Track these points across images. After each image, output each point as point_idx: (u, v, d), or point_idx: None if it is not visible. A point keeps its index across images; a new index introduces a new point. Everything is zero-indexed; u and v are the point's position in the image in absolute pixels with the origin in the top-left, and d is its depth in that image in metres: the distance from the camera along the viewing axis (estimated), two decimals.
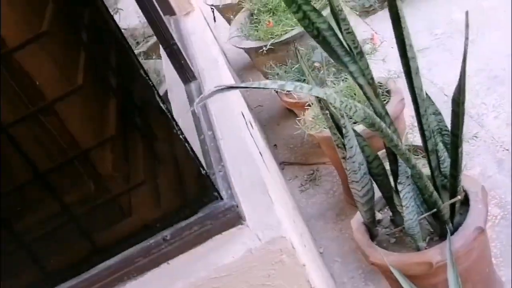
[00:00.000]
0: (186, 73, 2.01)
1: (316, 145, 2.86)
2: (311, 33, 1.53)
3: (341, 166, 1.84)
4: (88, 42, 1.49)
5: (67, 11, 1.48)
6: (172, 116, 1.31)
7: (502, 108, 2.67)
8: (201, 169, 1.33)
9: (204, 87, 1.98)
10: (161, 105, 1.28)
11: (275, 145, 3.30)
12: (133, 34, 4.24)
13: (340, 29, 1.56)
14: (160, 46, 2.07)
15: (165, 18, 2.58)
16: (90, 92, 1.48)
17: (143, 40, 4.06)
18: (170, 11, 2.65)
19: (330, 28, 1.53)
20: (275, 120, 3.55)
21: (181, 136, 1.31)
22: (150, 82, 1.29)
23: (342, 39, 1.55)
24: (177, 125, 1.31)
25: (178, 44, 2.11)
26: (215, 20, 4.24)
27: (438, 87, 3.01)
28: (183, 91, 2.02)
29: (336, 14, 1.54)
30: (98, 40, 1.47)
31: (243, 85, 1.23)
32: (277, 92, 3.08)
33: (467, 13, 1.48)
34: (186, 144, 1.32)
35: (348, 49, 1.55)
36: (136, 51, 3.89)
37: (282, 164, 3.08)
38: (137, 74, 1.26)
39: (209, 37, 2.59)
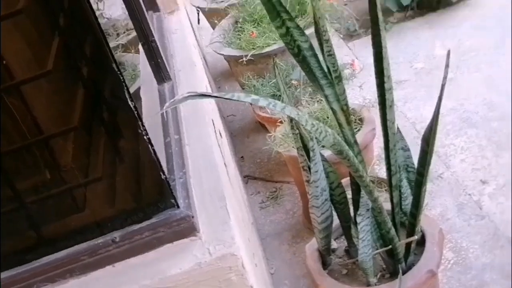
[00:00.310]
0: (161, 72, 1.98)
1: (283, 163, 2.84)
2: (292, 50, 1.51)
3: (303, 188, 1.82)
4: (64, 28, 1.44)
5: None
6: (139, 115, 1.27)
7: (470, 152, 2.68)
8: (161, 173, 1.29)
9: (177, 89, 1.95)
10: (129, 103, 1.25)
11: (242, 157, 3.27)
12: (115, 24, 4.17)
13: (322, 50, 1.54)
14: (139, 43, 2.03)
15: (148, 14, 2.55)
16: (59, 79, 1.44)
17: (124, 33, 4.00)
18: (154, 7, 2.61)
19: (312, 48, 1.51)
20: (245, 131, 3.53)
21: (145, 137, 1.28)
22: (121, 78, 1.25)
23: (322, 61, 1.53)
24: (142, 125, 1.27)
25: (158, 42, 2.07)
26: (199, 22, 4.22)
27: (411, 121, 3.02)
28: (156, 90, 1.98)
29: (320, 34, 1.53)
30: (73, 27, 1.43)
31: (216, 94, 1.20)
32: (251, 104, 3.06)
33: (448, 52, 1.48)
34: (150, 146, 1.28)
35: (327, 71, 1.54)
36: (115, 43, 3.83)
37: (247, 178, 3.05)
38: (109, 68, 1.22)
39: (190, 39, 2.55)
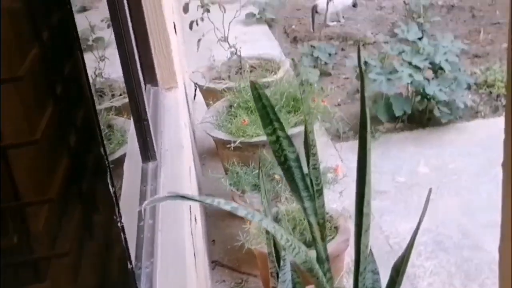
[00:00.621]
0: (148, 151, 1.99)
1: (253, 254, 2.82)
2: (278, 158, 1.53)
3: (269, 287, 1.80)
4: (59, 96, 1.46)
5: (47, 59, 1.46)
6: (117, 201, 1.27)
7: (438, 277, 2.69)
8: (129, 263, 1.28)
9: (161, 171, 1.95)
10: (110, 188, 1.24)
11: (213, 240, 3.24)
12: (112, 85, 4.21)
13: (308, 162, 1.57)
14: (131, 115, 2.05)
15: (146, 88, 2.58)
16: (45, 147, 1.44)
17: (120, 95, 4.03)
18: (154, 81, 2.65)
19: (298, 159, 1.54)
20: (221, 214, 3.51)
21: (119, 224, 1.27)
22: (107, 163, 1.25)
23: (306, 172, 1.55)
24: (119, 211, 1.26)
25: (150, 119, 2.10)
26: (195, 98, 4.28)
27: (385, 235, 3.03)
28: (140, 168, 1.99)
29: (308, 147, 1.56)
30: (68, 97, 1.44)
31: (197, 198, 1.20)
32: (232, 189, 3.06)
33: (430, 190, 1.50)
34: (122, 234, 1.27)
35: (309, 184, 1.55)
36: (109, 104, 3.85)
37: (214, 263, 3.01)
38: (96, 153, 1.22)
39: (183, 118, 2.58)
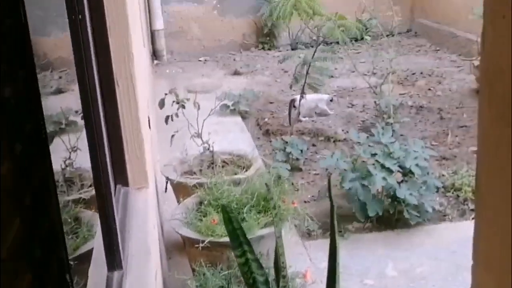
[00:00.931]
0: (114, 260, 1.95)
1: None
2: (247, 280, 1.52)
3: None
4: (26, 208, 1.43)
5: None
6: None
7: None
8: None
9: (126, 281, 1.91)
10: None
11: None
12: (82, 174, 4.17)
13: (277, 284, 1.56)
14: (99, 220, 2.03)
15: (117, 188, 2.57)
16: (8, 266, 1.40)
17: (90, 186, 3.99)
18: (124, 182, 2.63)
19: (267, 282, 1.52)
20: None
21: None
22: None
23: None
24: None
25: (118, 224, 2.07)
26: (166, 190, 4.25)
27: None
28: (105, 276, 1.94)
29: (279, 270, 1.55)
30: (35, 209, 1.42)
31: None
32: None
33: None
34: None
35: None
36: (77, 195, 3.80)
37: None
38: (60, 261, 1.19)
39: (152, 221, 2.55)
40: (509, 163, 1.10)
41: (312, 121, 6.22)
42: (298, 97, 5.88)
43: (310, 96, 6.07)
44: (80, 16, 1.70)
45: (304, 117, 6.22)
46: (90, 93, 1.95)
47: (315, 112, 6.26)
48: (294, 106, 5.96)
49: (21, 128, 1.12)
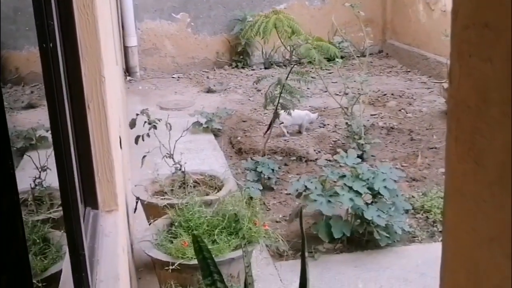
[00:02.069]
0: (81, 284, 1.92)
1: None
2: None
3: None
4: None
5: None
6: None
7: None
8: None
9: None
10: None
11: None
12: (52, 193, 4.12)
13: None
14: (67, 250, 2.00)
15: (86, 211, 2.54)
16: None
17: (60, 206, 3.94)
18: (94, 204, 2.61)
19: None
20: None
21: None
22: None
23: None
24: None
25: (86, 250, 2.05)
26: (135, 211, 4.22)
27: None
28: None
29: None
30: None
31: None
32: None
33: None
34: None
35: None
36: (46, 215, 3.75)
37: None
38: None
39: (121, 245, 2.53)
40: (474, 199, 1.13)
41: (285, 140, 6.25)
42: (282, 112, 5.89)
43: (297, 112, 6.13)
44: (51, 45, 1.69)
45: (289, 132, 6.29)
46: (60, 116, 1.93)
47: (300, 128, 6.33)
48: (282, 122, 6.00)
49: None
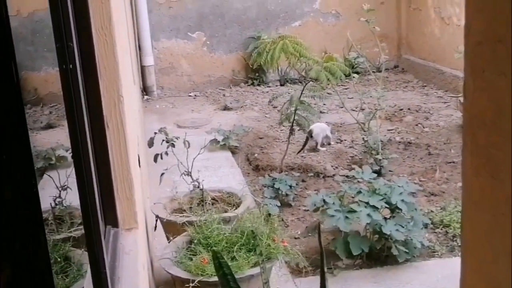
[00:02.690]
0: None
1: None
2: None
3: None
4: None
5: None
6: None
7: None
8: None
9: None
10: None
11: None
12: (72, 212, 4.16)
13: None
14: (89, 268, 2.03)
15: (106, 229, 2.57)
16: None
17: (80, 224, 3.98)
18: (114, 222, 2.64)
19: None
20: None
21: None
22: None
23: None
24: None
25: (108, 266, 2.07)
26: (155, 229, 4.25)
27: None
28: None
29: None
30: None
31: None
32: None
33: None
34: None
35: None
36: (67, 234, 3.79)
37: None
38: None
39: (141, 262, 2.55)
40: (491, 213, 1.13)
41: (302, 156, 6.26)
42: (313, 127, 6.03)
43: (322, 125, 6.25)
44: (71, 66, 1.73)
45: (322, 146, 6.36)
46: (80, 135, 1.97)
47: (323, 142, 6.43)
48: (312, 136, 6.13)
49: (11, 176, 1.14)
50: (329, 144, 6.46)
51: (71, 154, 2.21)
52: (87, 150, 2.08)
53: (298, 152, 6.19)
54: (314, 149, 6.34)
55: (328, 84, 5.46)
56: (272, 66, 5.37)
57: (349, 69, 5.50)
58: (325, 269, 1.48)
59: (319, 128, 6.32)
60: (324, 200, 4.14)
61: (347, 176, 5.39)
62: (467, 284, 1.28)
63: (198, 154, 4.16)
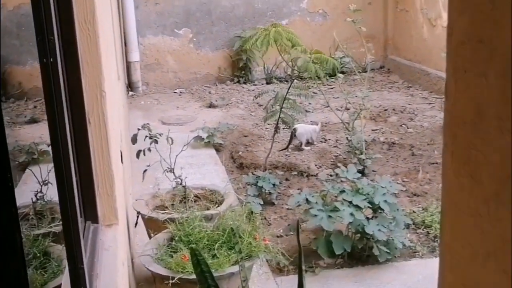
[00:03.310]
0: None
1: None
2: None
3: None
4: None
5: None
6: None
7: None
8: None
9: None
10: None
11: None
12: (52, 208, 4.12)
13: None
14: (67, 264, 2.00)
15: (86, 225, 2.55)
16: None
17: (61, 220, 3.94)
18: (94, 218, 2.61)
19: None
20: None
21: None
22: None
23: None
24: None
25: (86, 265, 2.05)
26: (136, 225, 4.22)
27: None
28: None
29: None
30: None
31: None
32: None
33: None
34: None
35: None
36: (47, 229, 3.76)
37: None
38: None
39: (121, 258, 2.53)
40: (470, 214, 1.13)
41: (286, 155, 6.26)
42: (297, 126, 6.05)
43: (306, 126, 6.28)
44: (51, 60, 1.71)
45: (306, 145, 6.37)
46: (60, 130, 1.94)
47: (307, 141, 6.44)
48: (295, 136, 6.15)
49: None
50: (312, 143, 6.47)
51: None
52: (66, 145, 2.05)
53: (282, 150, 6.21)
54: (299, 148, 6.34)
55: (316, 77, 5.45)
56: (260, 51, 5.32)
57: (337, 63, 5.50)
58: (303, 268, 1.48)
59: (303, 129, 6.33)
60: (307, 199, 4.14)
61: (330, 175, 5.39)
62: (445, 284, 1.27)
63: (181, 151, 4.14)
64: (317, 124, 6.59)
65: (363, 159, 5.51)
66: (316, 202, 4.14)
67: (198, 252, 1.43)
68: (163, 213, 3.85)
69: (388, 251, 4.09)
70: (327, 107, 6.77)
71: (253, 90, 9.11)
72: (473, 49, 1.07)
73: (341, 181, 4.94)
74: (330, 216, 4.03)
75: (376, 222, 4.05)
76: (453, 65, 1.16)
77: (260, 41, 5.34)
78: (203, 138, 6.54)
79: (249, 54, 9.20)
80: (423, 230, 4.61)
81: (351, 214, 3.97)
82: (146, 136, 4.08)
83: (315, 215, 4.05)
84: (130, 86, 9.17)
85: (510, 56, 0.95)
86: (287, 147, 6.24)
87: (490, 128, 1.03)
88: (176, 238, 3.46)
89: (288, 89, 5.40)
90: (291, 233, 4.68)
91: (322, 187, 4.64)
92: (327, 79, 5.60)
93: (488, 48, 1.02)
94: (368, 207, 4.12)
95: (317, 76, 5.39)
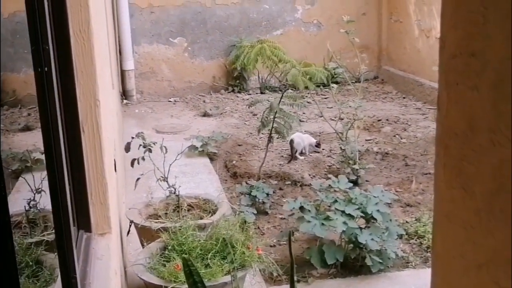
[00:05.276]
0: None
1: None
2: None
3: None
4: None
5: None
6: None
7: None
8: None
9: None
10: None
11: None
12: (46, 216, 4.11)
13: None
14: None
15: (79, 234, 2.54)
16: None
17: (54, 228, 3.93)
18: (87, 227, 2.61)
19: None
20: None
21: None
22: None
23: None
24: None
25: (78, 274, 2.05)
26: (128, 234, 4.21)
27: None
28: None
29: None
30: None
31: None
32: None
33: None
34: None
35: None
36: (39, 238, 3.74)
37: None
38: None
39: (114, 267, 2.52)
40: (461, 225, 1.14)
41: (280, 164, 6.26)
42: (294, 136, 6.17)
43: (303, 136, 6.40)
44: (46, 69, 1.71)
45: (301, 155, 6.39)
46: (54, 138, 1.94)
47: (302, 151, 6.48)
48: (293, 146, 6.21)
49: None
50: (305, 154, 6.49)
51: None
52: (60, 153, 2.05)
53: (289, 162, 6.27)
54: (292, 157, 6.36)
55: (306, 89, 5.48)
56: (249, 69, 5.39)
57: (328, 74, 5.53)
58: (295, 278, 1.48)
59: (300, 138, 6.37)
60: (301, 206, 4.15)
61: (321, 185, 5.40)
62: None
63: (175, 159, 4.14)
64: (315, 140, 6.65)
65: (357, 169, 5.52)
66: (309, 210, 4.15)
67: (191, 262, 1.43)
68: (156, 222, 3.84)
69: (381, 261, 4.09)
70: (321, 117, 6.79)
71: (247, 99, 9.12)
72: (465, 62, 1.08)
73: (334, 191, 4.95)
74: (323, 224, 4.04)
75: (369, 232, 4.05)
76: (445, 78, 1.17)
77: (247, 59, 5.41)
78: (197, 147, 6.54)
79: (236, 68, 9.23)
80: (416, 240, 4.62)
81: (344, 223, 3.97)
82: (140, 145, 4.07)
83: (309, 222, 4.05)
84: (125, 94, 9.17)
85: (501, 70, 0.96)
86: (292, 157, 6.34)
87: (482, 140, 1.04)
88: (169, 247, 3.46)
89: (280, 99, 5.42)
90: (284, 242, 4.68)
91: (316, 196, 4.64)
92: (321, 89, 5.62)
93: (480, 62, 1.03)
94: (361, 216, 4.12)
95: (306, 87, 5.45)
